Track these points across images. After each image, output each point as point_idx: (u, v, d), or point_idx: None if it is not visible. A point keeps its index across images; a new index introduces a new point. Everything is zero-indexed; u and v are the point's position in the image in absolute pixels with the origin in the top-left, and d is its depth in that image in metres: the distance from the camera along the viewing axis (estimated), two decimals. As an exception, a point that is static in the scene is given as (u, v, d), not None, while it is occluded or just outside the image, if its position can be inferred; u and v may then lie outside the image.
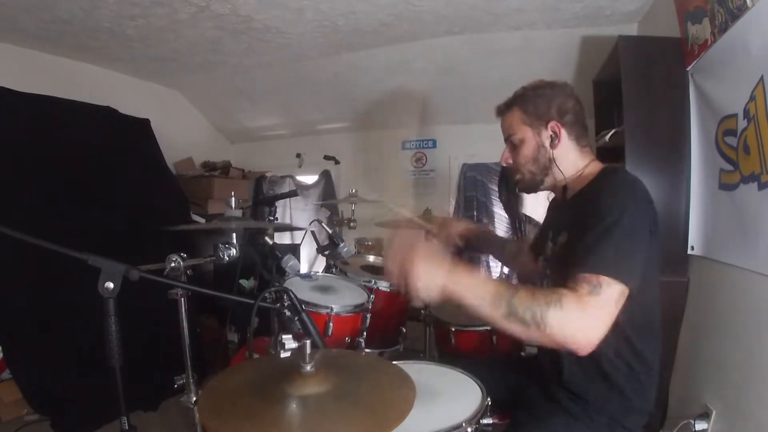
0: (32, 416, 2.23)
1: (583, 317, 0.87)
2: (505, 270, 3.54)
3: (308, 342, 0.86)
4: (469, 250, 1.76)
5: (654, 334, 1.10)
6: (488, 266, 3.63)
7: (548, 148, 1.17)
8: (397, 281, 0.95)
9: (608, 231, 0.94)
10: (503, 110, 1.25)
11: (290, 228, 3.71)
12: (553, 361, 1.16)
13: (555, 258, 1.17)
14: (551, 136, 1.16)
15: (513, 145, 1.23)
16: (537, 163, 1.19)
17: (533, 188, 1.25)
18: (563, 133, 1.16)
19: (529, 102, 1.19)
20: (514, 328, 0.89)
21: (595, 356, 1.06)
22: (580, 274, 0.90)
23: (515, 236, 3.59)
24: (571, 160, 1.18)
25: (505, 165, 1.27)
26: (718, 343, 1.52)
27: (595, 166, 1.18)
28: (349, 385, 0.87)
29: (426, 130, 3.84)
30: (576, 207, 1.12)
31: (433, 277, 0.92)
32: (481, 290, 0.92)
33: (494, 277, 0.91)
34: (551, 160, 1.18)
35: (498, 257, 1.73)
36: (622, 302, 0.90)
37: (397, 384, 0.90)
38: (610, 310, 0.89)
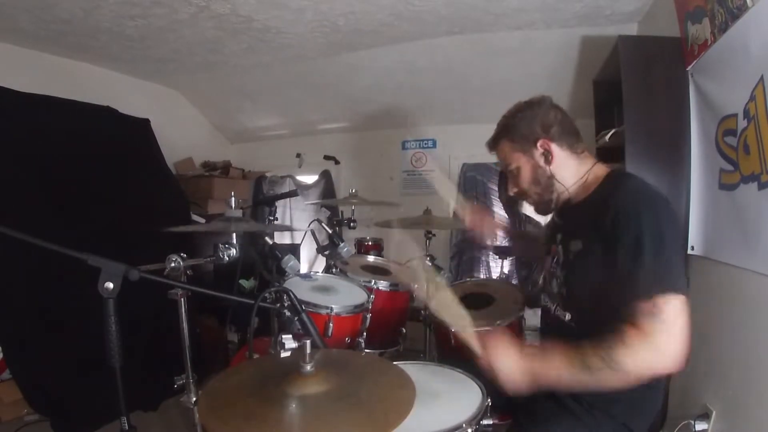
0: (32, 416, 2.23)
1: (652, 345, 0.89)
2: (505, 270, 3.55)
3: (308, 342, 0.86)
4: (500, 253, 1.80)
5: None
6: (488, 265, 3.63)
7: (544, 166, 1.17)
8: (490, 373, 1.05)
9: (641, 247, 0.94)
10: (493, 146, 1.28)
11: (289, 229, 3.71)
12: None
13: (569, 265, 1.16)
14: (543, 153, 1.17)
15: (513, 175, 1.24)
16: (539, 184, 1.20)
17: (546, 208, 1.25)
18: (554, 147, 1.16)
19: (513, 129, 1.20)
20: (600, 381, 0.92)
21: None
22: (634, 302, 0.91)
23: (515, 236, 3.59)
24: (572, 169, 1.18)
25: (513, 195, 1.28)
26: (718, 343, 1.52)
27: (600, 169, 1.18)
28: (349, 385, 0.87)
29: (426, 130, 3.85)
30: (588, 213, 1.11)
31: (515, 375, 1.01)
32: (557, 369, 0.98)
33: (554, 352, 0.97)
34: (551, 177, 1.18)
35: (533, 253, 1.72)
36: (686, 309, 0.91)
37: (397, 384, 0.90)
38: (679, 324, 0.90)
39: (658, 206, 1.00)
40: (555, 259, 1.24)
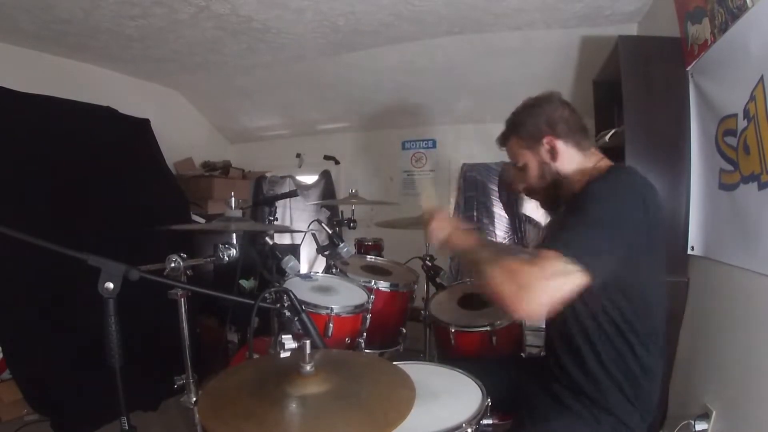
0: (32, 416, 2.23)
1: (523, 274, 0.89)
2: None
3: (308, 342, 0.86)
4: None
5: (657, 337, 1.09)
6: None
7: (550, 162, 1.18)
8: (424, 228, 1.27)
9: (590, 219, 0.95)
10: (503, 142, 1.28)
11: (289, 230, 3.71)
12: (557, 361, 1.16)
13: None
14: (549, 150, 1.17)
15: (521, 171, 1.25)
16: (545, 180, 1.20)
17: (553, 204, 1.26)
18: (559, 143, 1.16)
19: (520, 126, 1.21)
20: (486, 273, 0.95)
21: (601, 357, 1.06)
22: (547, 249, 0.91)
23: (515, 236, 3.59)
24: (577, 167, 1.17)
25: (521, 192, 1.29)
26: (718, 343, 1.52)
27: (604, 163, 1.17)
28: (349, 385, 0.87)
29: (426, 130, 3.84)
30: (577, 201, 1.12)
31: (443, 232, 1.21)
32: (470, 239, 1.15)
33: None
34: (557, 173, 1.18)
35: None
36: (574, 284, 0.88)
37: (396, 384, 0.90)
38: (555, 285, 0.88)
39: (619, 194, 1.00)
40: None
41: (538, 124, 1.17)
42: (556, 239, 0.94)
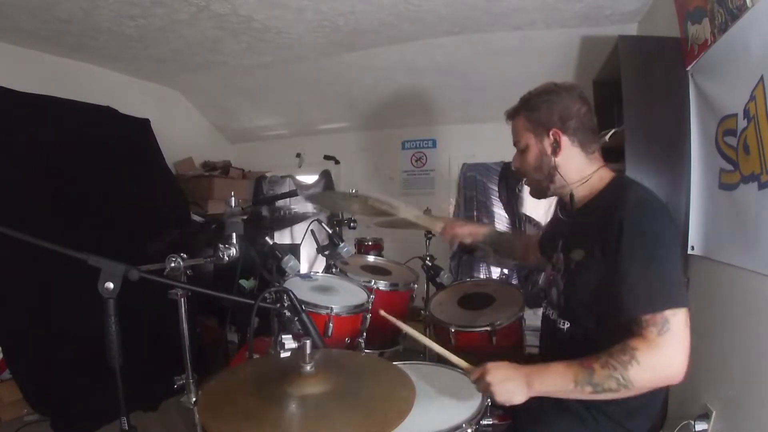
0: (32, 416, 2.23)
1: (661, 358, 0.90)
2: (505, 270, 3.55)
3: (308, 342, 0.86)
4: (472, 252, 1.79)
5: None
6: (488, 266, 3.63)
7: (551, 156, 1.15)
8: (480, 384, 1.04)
9: (650, 260, 0.94)
10: (511, 115, 1.24)
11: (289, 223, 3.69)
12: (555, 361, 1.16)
13: (569, 274, 1.14)
14: (553, 144, 1.14)
15: (519, 151, 1.22)
16: (540, 171, 1.18)
17: (541, 194, 1.24)
18: (564, 140, 1.14)
19: (534, 108, 1.17)
20: (604, 397, 0.93)
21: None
22: (642, 316, 0.92)
23: (515, 236, 3.59)
24: (576, 167, 1.16)
25: (514, 170, 1.27)
26: (718, 343, 1.52)
27: (605, 174, 1.16)
28: (348, 385, 0.87)
29: (426, 130, 3.85)
30: (592, 222, 1.09)
31: (515, 390, 0.99)
32: (561, 383, 0.96)
33: (563, 364, 0.96)
34: (554, 168, 1.15)
35: (507, 257, 1.73)
36: (688, 322, 0.92)
37: (396, 384, 0.90)
38: (684, 336, 0.91)
39: (663, 220, 1.00)
40: (555, 267, 1.22)
41: (551, 113, 1.14)
42: (641, 297, 0.93)
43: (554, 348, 1.21)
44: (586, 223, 1.12)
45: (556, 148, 1.14)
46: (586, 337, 1.09)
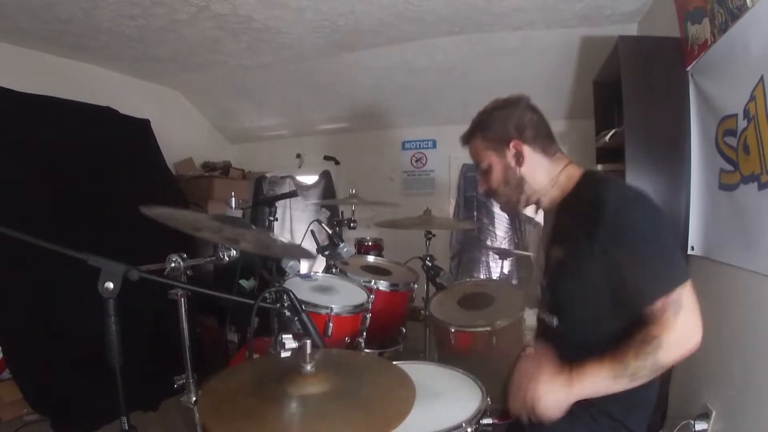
0: (32, 416, 2.23)
1: (682, 336, 0.93)
2: (505, 270, 3.55)
3: (308, 342, 0.86)
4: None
5: None
6: (488, 265, 3.63)
7: (515, 167, 1.15)
8: (524, 413, 1.02)
9: (648, 252, 0.97)
10: (467, 140, 1.26)
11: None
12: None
13: (551, 272, 1.16)
14: (515, 155, 1.15)
15: (483, 172, 1.22)
16: (509, 185, 1.18)
17: (514, 208, 1.23)
18: (526, 149, 1.14)
19: (487, 126, 1.19)
20: (640, 381, 0.95)
21: (597, 357, 1.06)
22: (655, 303, 0.94)
23: (515, 236, 3.59)
24: (543, 172, 1.16)
25: (482, 192, 1.28)
26: (718, 342, 1.52)
27: (573, 171, 1.16)
28: (349, 385, 0.87)
29: (426, 130, 3.85)
30: (565, 219, 1.11)
31: (558, 399, 0.99)
32: (600, 383, 0.97)
33: (595, 362, 0.96)
34: (521, 178, 1.16)
35: None
36: (692, 290, 0.95)
37: (396, 384, 0.90)
38: (695, 306, 0.94)
39: (646, 206, 1.02)
40: (540, 268, 1.24)
41: (506, 126, 1.15)
42: (648, 289, 0.96)
43: (545, 342, 1.22)
44: (563, 223, 1.13)
45: (519, 158, 1.15)
46: (576, 333, 1.10)
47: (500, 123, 1.16)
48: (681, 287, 0.94)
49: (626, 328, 1.02)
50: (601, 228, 1.00)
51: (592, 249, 1.01)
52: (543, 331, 1.23)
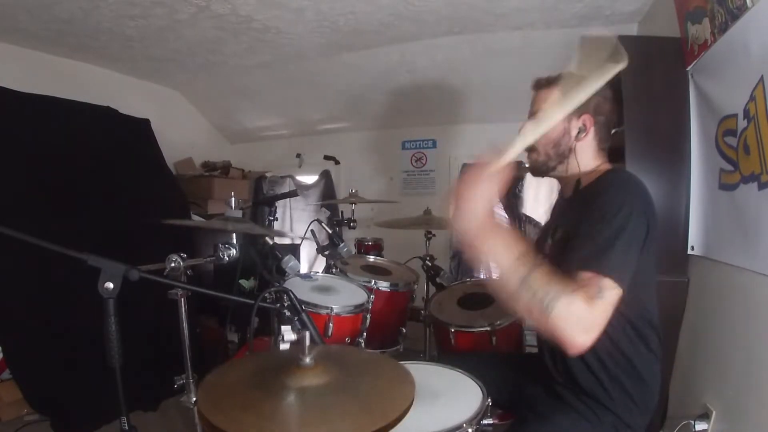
0: (32, 416, 2.23)
1: (587, 318, 0.85)
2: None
3: (307, 333, 0.86)
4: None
5: (655, 333, 1.10)
6: (488, 266, 3.62)
7: (573, 137, 1.16)
8: (449, 198, 0.94)
9: (616, 232, 0.94)
10: (542, 84, 1.22)
11: (287, 235, 3.71)
12: (558, 359, 1.16)
13: (552, 254, 1.16)
14: (580, 127, 1.15)
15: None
16: (557, 148, 1.17)
17: (544, 171, 1.22)
18: (592, 129, 1.16)
19: (572, 87, 1.14)
20: (522, 300, 0.87)
21: (601, 355, 1.07)
22: (586, 271, 0.89)
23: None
24: (588, 157, 1.17)
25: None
26: (718, 343, 1.52)
27: (604, 167, 1.18)
28: (348, 379, 0.87)
29: (426, 130, 3.85)
30: (576, 205, 1.13)
31: (479, 209, 0.91)
32: (511, 243, 0.90)
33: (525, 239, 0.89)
34: (571, 150, 1.16)
35: None
36: (615, 301, 0.89)
37: (396, 379, 0.90)
38: (607, 315, 0.88)
39: (640, 204, 1.00)
40: (545, 256, 1.23)
41: (589, 99, 1.12)
42: (592, 256, 0.92)
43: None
44: (573, 210, 1.14)
45: (582, 132, 1.15)
46: None
47: None
48: (612, 283, 0.88)
49: (628, 316, 1.01)
50: (594, 197, 1.02)
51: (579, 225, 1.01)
52: None
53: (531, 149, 1.22)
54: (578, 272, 0.90)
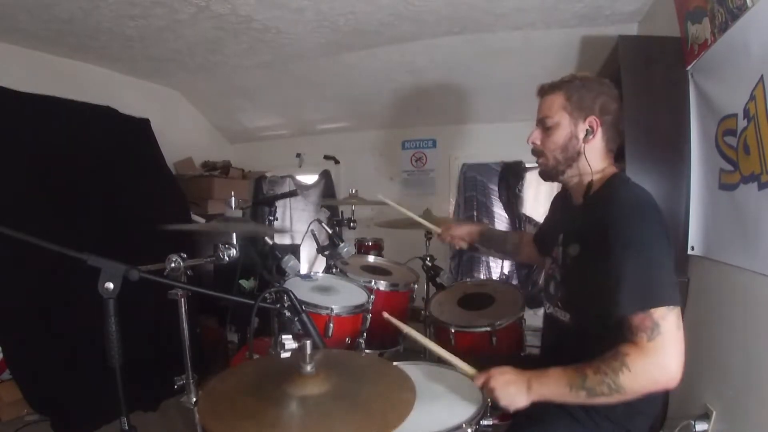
0: (32, 416, 2.23)
1: (653, 364, 0.88)
2: (505, 270, 3.55)
3: (308, 342, 0.86)
4: (472, 250, 1.78)
5: None
6: (488, 265, 3.63)
7: (580, 140, 1.15)
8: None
9: (648, 262, 0.94)
10: (546, 90, 1.22)
11: (287, 231, 3.71)
12: (556, 363, 1.16)
13: (566, 269, 1.16)
14: (587, 129, 1.14)
15: (545, 128, 1.20)
16: (565, 152, 1.17)
17: (553, 176, 1.22)
18: (599, 131, 1.15)
19: (576, 90, 1.16)
20: (598, 401, 0.93)
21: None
22: (634, 315, 0.90)
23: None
24: (596, 159, 1.16)
25: (531, 145, 1.23)
26: (718, 343, 1.52)
27: (609, 171, 1.18)
28: (349, 386, 0.87)
29: (426, 130, 3.85)
30: (587, 216, 1.12)
31: (517, 396, 1.02)
32: (558, 387, 0.98)
33: (559, 370, 1.02)
34: (580, 153, 1.15)
35: (500, 252, 1.74)
36: (681, 322, 0.91)
37: (397, 386, 0.90)
38: (676, 339, 0.89)
39: (651, 222, 1.00)
40: (554, 261, 1.24)
41: (594, 100, 1.14)
42: (630, 297, 0.93)
43: (556, 342, 1.22)
44: (583, 221, 1.13)
45: (590, 135, 1.14)
46: (586, 329, 1.10)
47: (590, 94, 1.15)
48: (665, 309, 0.89)
49: None
50: (603, 224, 1.01)
51: (596, 248, 1.01)
52: (552, 326, 1.24)
53: (539, 154, 1.23)
54: (627, 319, 0.91)
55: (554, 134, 1.18)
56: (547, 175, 1.23)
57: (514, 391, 1.01)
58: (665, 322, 0.89)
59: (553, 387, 0.98)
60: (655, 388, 0.91)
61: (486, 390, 1.06)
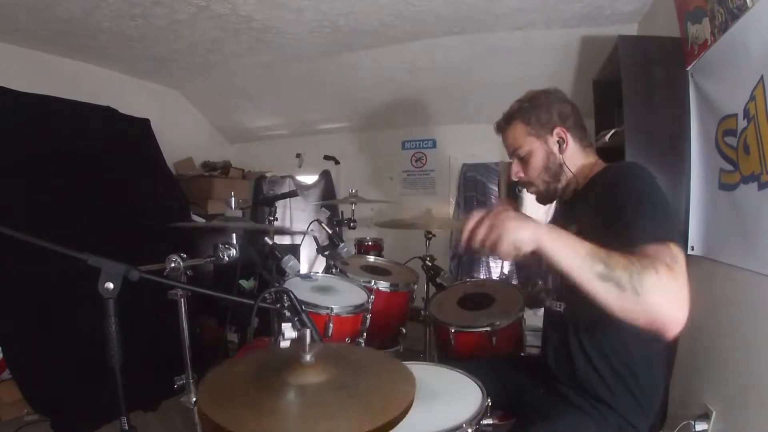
0: (32, 416, 2.23)
1: (676, 289, 0.79)
2: (505, 270, 3.55)
3: (308, 331, 0.86)
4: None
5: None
6: (488, 266, 3.63)
7: (557, 153, 1.19)
8: (481, 239, 0.88)
9: (660, 202, 0.94)
10: (503, 126, 1.26)
11: (289, 232, 3.71)
12: (562, 360, 1.17)
13: None
14: (558, 141, 1.18)
15: (521, 159, 1.23)
16: (549, 171, 1.20)
17: (551, 197, 1.25)
18: (569, 137, 1.19)
19: (529, 113, 1.20)
20: (608, 292, 0.80)
21: (607, 354, 1.07)
22: (651, 244, 0.84)
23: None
24: (578, 161, 1.20)
25: (516, 180, 1.26)
26: (718, 343, 1.52)
27: (599, 164, 1.21)
28: (348, 376, 0.86)
29: (426, 130, 3.85)
30: (584, 201, 1.14)
31: (526, 230, 0.85)
32: (576, 246, 0.83)
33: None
34: (561, 165, 1.19)
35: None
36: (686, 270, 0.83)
37: (397, 378, 0.90)
38: (685, 281, 0.81)
39: (647, 175, 1.02)
40: None
41: (551, 113, 1.18)
42: (645, 230, 0.88)
43: (553, 333, 1.22)
44: (579, 204, 1.16)
45: (563, 144, 1.18)
46: (581, 318, 1.10)
47: (544, 110, 1.19)
48: (677, 248, 0.85)
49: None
50: (609, 186, 1.03)
51: (593, 219, 1.01)
52: (549, 320, 1.26)
53: (527, 184, 1.25)
54: (643, 247, 0.85)
55: (532, 161, 1.21)
56: (544, 198, 1.27)
57: (516, 224, 0.85)
58: (680, 258, 0.83)
59: (569, 242, 0.84)
60: (661, 318, 0.79)
61: (482, 227, 0.88)
